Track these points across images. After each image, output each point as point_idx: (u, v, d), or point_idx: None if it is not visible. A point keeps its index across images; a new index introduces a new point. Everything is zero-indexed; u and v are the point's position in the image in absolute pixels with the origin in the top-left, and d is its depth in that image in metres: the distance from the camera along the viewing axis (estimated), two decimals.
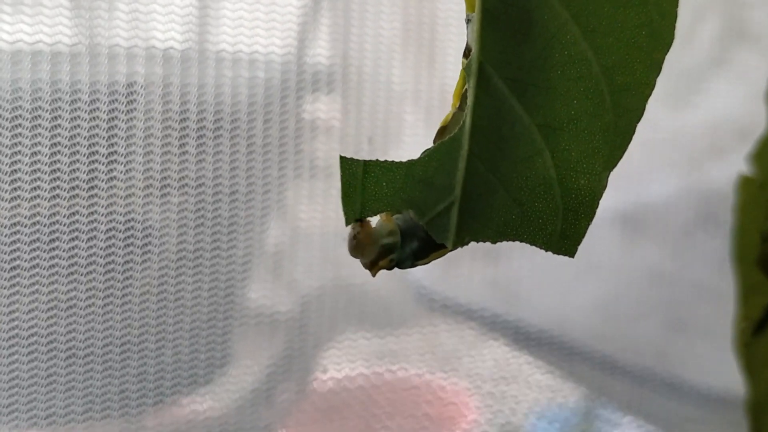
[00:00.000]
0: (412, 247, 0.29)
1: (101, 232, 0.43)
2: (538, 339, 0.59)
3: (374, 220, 0.29)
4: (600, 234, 0.57)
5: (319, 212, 0.51)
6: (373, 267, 0.29)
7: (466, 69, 0.28)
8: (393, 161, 0.28)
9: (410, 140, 0.53)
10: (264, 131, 0.46)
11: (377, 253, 0.29)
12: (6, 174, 0.41)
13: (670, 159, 0.59)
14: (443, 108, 0.52)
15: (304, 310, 0.52)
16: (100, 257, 0.43)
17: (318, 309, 0.53)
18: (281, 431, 0.54)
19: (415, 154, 0.29)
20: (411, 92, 0.53)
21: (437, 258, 0.30)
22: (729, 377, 0.50)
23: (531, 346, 0.59)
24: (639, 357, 0.60)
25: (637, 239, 0.59)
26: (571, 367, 0.60)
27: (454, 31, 0.52)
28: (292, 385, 0.53)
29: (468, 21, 0.28)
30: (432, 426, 0.58)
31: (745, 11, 0.59)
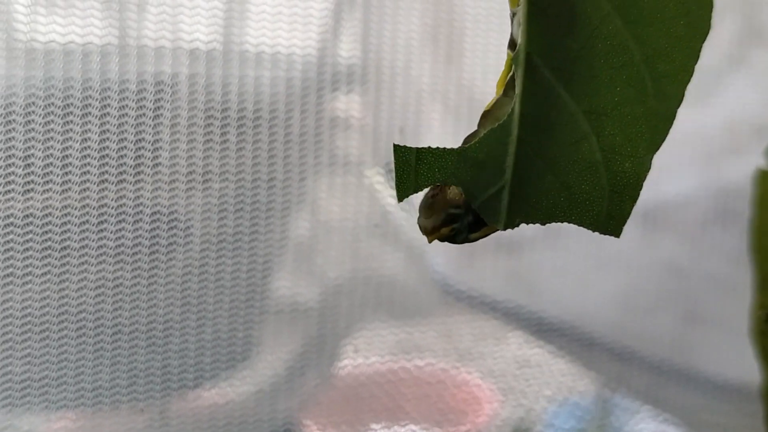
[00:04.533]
0: (469, 219, 0.30)
1: (146, 215, 0.45)
2: (558, 330, 0.59)
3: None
4: None
5: (352, 203, 0.52)
6: (433, 232, 0.30)
7: (513, 60, 0.29)
8: (445, 148, 0.29)
9: (439, 133, 0.54)
10: (301, 122, 0.48)
11: (442, 220, 0.29)
12: (58, 159, 0.42)
13: (688, 156, 0.59)
14: (471, 105, 0.54)
15: (334, 299, 0.53)
16: (145, 239, 0.45)
17: (347, 299, 0.53)
18: (307, 417, 0.54)
19: None
20: (440, 91, 0.54)
21: (489, 233, 0.30)
22: (744, 368, 0.50)
23: (551, 337, 0.59)
24: (657, 348, 0.60)
25: (656, 233, 0.59)
26: (589, 358, 0.60)
27: (481, 35, 0.53)
28: (322, 373, 0.54)
29: (513, 15, 0.29)
30: (454, 415, 0.58)
31: (763, 12, 0.60)
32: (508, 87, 0.30)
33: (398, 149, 0.29)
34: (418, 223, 0.30)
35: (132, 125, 0.43)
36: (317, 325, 0.53)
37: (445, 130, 0.54)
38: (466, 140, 0.30)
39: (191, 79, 0.45)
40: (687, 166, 0.60)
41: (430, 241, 0.30)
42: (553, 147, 0.29)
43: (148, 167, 0.44)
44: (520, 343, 0.60)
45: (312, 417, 0.55)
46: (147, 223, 0.45)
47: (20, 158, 0.42)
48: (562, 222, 0.30)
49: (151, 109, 0.44)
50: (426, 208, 0.30)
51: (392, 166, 0.29)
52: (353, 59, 0.51)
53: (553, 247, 0.58)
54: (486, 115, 0.30)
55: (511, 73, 0.29)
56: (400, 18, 0.51)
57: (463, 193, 0.30)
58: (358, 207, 0.53)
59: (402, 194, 0.29)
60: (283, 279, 0.51)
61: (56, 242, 0.43)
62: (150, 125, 0.44)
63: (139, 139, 0.44)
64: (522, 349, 0.60)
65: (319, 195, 0.52)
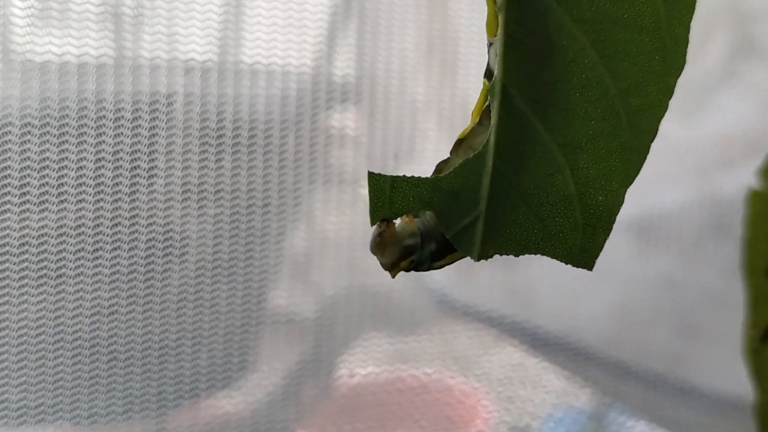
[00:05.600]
0: (431, 248, 0.30)
1: (142, 241, 0.45)
2: (553, 344, 0.59)
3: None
4: (614, 242, 0.58)
5: (347, 219, 0.52)
6: (393, 268, 0.29)
7: (489, 91, 0.29)
8: (420, 177, 0.29)
9: (433, 155, 0.54)
10: (296, 141, 0.48)
11: (399, 254, 0.29)
12: (53, 187, 0.42)
13: (682, 170, 0.59)
14: (465, 120, 0.53)
15: (331, 314, 0.53)
16: (141, 265, 0.45)
17: (344, 313, 0.54)
18: (304, 428, 0.55)
19: None
20: (435, 107, 0.54)
21: (453, 261, 0.30)
22: (738, 382, 0.51)
23: (546, 351, 0.59)
24: (651, 362, 0.60)
25: (650, 248, 0.59)
26: (585, 372, 0.61)
27: (475, 51, 0.53)
28: (318, 384, 0.54)
29: (490, 45, 0.29)
30: (450, 427, 0.58)
31: (755, 26, 0.60)
32: (483, 116, 0.29)
33: (372, 177, 0.29)
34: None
35: (127, 153, 0.44)
36: (314, 337, 0.53)
37: (439, 145, 0.54)
38: (438, 167, 0.30)
39: (186, 97, 0.45)
40: (680, 180, 0.60)
41: (393, 276, 0.30)
42: (528, 179, 0.29)
43: (143, 192, 0.44)
44: (516, 355, 0.60)
45: (309, 428, 0.55)
46: (142, 249, 0.45)
47: (16, 187, 0.42)
48: (535, 254, 0.30)
49: (146, 136, 0.44)
50: (376, 246, 0.29)
51: None
52: (348, 75, 0.51)
53: (548, 261, 0.58)
54: (460, 143, 0.30)
55: (487, 103, 0.29)
56: (394, 33, 0.51)
57: (421, 224, 0.30)
58: (353, 222, 0.53)
59: (375, 221, 0.29)
60: (280, 293, 0.51)
61: (51, 269, 0.43)
62: (145, 152, 0.44)
63: (134, 167, 0.44)
64: (517, 362, 0.60)
65: (315, 210, 0.52)
